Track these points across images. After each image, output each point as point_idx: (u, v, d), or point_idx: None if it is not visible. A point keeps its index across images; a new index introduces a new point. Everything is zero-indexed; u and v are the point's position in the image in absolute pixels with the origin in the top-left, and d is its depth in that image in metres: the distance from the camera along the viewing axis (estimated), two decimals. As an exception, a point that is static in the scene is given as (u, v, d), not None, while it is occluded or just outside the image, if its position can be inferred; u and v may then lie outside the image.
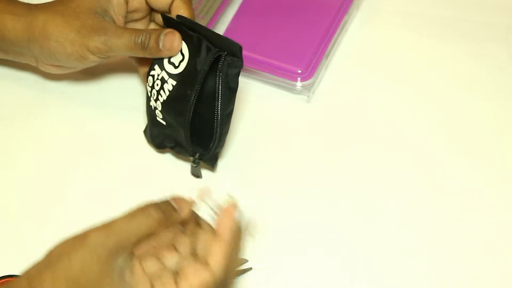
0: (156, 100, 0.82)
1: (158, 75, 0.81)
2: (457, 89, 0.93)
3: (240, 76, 0.92)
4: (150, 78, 0.82)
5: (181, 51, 0.80)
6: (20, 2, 0.85)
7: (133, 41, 0.80)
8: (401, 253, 0.82)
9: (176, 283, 0.67)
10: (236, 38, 0.93)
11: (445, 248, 0.82)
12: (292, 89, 0.92)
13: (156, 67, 0.82)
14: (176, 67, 0.80)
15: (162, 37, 0.80)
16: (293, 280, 0.81)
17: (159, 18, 0.85)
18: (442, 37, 0.96)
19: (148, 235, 0.68)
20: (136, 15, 0.85)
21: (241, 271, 0.81)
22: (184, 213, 0.69)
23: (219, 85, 0.79)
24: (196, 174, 0.85)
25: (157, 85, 0.81)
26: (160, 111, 0.82)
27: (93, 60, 0.82)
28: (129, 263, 0.67)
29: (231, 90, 0.80)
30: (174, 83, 0.80)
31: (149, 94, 0.83)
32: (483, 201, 0.85)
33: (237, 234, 0.70)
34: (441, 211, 0.85)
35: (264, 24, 0.94)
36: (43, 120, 0.90)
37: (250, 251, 0.82)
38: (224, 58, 0.78)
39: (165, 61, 0.81)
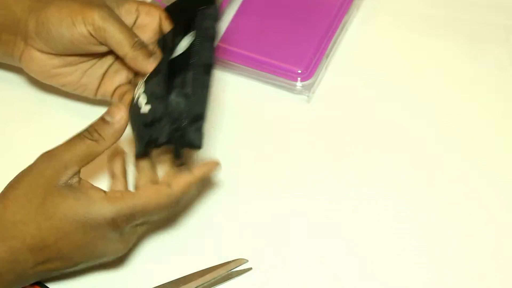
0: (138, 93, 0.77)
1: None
2: (457, 89, 0.93)
3: (240, 76, 0.93)
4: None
5: None
6: None
7: (130, 34, 0.79)
8: (401, 253, 0.82)
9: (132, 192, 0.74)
10: (236, 38, 0.94)
11: (446, 248, 0.83)
12: (292, 89, 0.92)
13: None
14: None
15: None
16: (293, 280, 0.81)
17: None
18: (442, 37, 0.96)
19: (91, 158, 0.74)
20: (141, 35, 0.83)
21: (241, 271, 0.81)
22: (117, 120, 0.74)
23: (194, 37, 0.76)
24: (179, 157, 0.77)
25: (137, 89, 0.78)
26: (144, 93, 0.76)
27: (81, 33, 0.79)
28: (76, 178, 0.73)
29: (209, 40, 0.76)
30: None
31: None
32: (483, 201, 0.85)
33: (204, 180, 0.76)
34: (441, 211, 0.85)
35: (264, 24, 0.94)
36: (43, 120, 0.90)
37: (250, 251, 0.82)
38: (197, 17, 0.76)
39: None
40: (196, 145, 0.73)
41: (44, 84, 0.90)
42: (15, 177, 0.74)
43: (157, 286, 0.80)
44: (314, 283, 0.81)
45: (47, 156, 0.74)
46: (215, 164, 0.76)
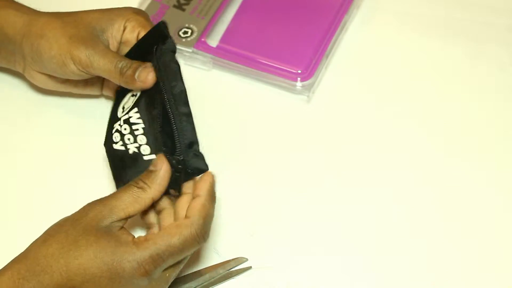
0: (135, 139, 0.79)
1: (120, 126, 0.80)
2: (457, 89, 0.93)
3: (240, 76, 0.93)
4: (116, 134, 0.80)
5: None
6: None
7: (114, 64, 0.81)
8: (401, 253, 0.82)
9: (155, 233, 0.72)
10: (236, 38, 0.94)
11: (446, 249, 0.82)
12: (292, 89, 0.92)
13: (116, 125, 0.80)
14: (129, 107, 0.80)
15: (140, 69, 0.80)
16: (293, 280, 0.81)
17: None
18: (442, 37, 0.96)
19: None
20: (126, 49, 0.85)
21: (241, 270, 0.81)
22: (160, 168, 0.74)
23: (159, 68, 0.78)
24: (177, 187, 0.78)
25: (125, 129, 0.79)
26: (146, 144, 0.79)
27: (72, 71, 0.82)
28: (119, 224, 0.72)
29: (175, 68, 0.78)
30: (138, 115, 0.79)
31: (124, 143, 0.80)
32: (483, 201, 0.85)
33: (213, 195, 0.74)
34: (441, 211, 0.85)
35: (264, 24, 0.94)
36: (43, 120, 0.90)
37: (250, 251, 0.82)
38: (157, 49, 0.78)
39: (119, 111, 0.81)
40: (202, 169, 0.76)
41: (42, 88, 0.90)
42: (63, 218, 0.73)
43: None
44: (314, 283, 0.81)
45: (95, 202, 0.73)
46: (211, 175, 0.75)
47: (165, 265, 0.71)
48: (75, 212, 0.73)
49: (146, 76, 0.79)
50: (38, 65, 0.84)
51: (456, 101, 0.92)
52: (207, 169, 0.76)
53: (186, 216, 0.72)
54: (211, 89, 0.92)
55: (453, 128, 0.90)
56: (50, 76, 0.86)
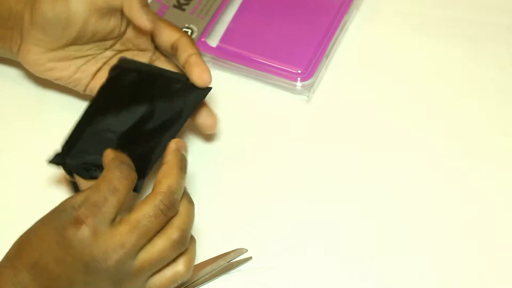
0: None
1: None
2: (457, 89, 0.93)
3: (240, 76, 0.93)
4: None
5: None
6: None
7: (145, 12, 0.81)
8: (401, 253, 0.82)
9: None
10: (236, 38, 0.94)
11: (446, 249, 0.82)
12: (292, 89, 0.92)
13: None
14: None
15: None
16: (293, 280, 0.81)
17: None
18: (442, 37, 0.96)
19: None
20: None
21: (241, 260, 0.81)
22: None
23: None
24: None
25: None
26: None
27: (76, 11, 0.81)
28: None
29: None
30: None
31: None
32: (483, 201, 0.85)
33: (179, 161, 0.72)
34: (441, 211, 0.85)
35: (264, 24, 0.94)
36: (44, 119, 0.90)
37: (250, 250, 0.82)
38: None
39: None
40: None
41: (44, 82, 0.90)
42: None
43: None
44: (314, 283, 0.81)
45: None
46: (180, 143, 0.73)
47: (104, 216, 0.69)
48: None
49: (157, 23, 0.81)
50: (38, 25, 0.82)
51: (456, 101, 0.92)
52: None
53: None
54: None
55: (453, 128, 0.90)
56: (45, 49, 0.84)
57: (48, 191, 0.86)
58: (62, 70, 0.86)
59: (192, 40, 0.83)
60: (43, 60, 0.85)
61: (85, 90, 0.88)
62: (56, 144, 0.88)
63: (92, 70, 0.86)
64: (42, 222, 0.71)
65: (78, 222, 0.68)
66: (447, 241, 0.83)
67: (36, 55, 0.85)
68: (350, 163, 0.88)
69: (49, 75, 0.87)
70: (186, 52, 0.81)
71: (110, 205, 0.69)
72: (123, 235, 0.68)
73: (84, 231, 0.68)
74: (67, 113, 0.90)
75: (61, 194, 0.85)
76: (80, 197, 0.70)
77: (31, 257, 0.70)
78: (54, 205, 0.84)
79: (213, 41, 0.94)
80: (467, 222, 0.84)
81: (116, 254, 0.68)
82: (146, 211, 0.69)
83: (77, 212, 0.69)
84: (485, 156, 0.88)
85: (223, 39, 0.94)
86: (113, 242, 0.68)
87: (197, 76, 0.81)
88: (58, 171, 0.87)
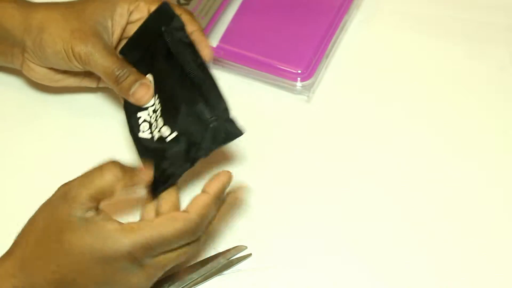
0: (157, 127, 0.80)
1: (149, 115, 0.81)
2: (457, 89, 0.93)
3: (240, 76, 0.93)
4: (145, 124, 0.81)
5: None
6: None
7: (111, 70, 0.80)
8: (401, 253, 0.82)
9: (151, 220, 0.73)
10: (236, 38, 0.94)
11: (446, 249, 0.82)
12: (292, 89, 0.92)
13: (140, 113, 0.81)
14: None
15: (137, 84, 0.80)
16: (293, 280, 0.81)
17: None
18: (442, 37, 0.96)
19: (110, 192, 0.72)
20: (135, 28, 0.84)
21: (241, 257, 0.81)
22: (145, 177, 0.74)
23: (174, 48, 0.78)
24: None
25: (152, 118, 0.80)
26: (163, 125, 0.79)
27: (75, 65, 0.82)
28: (92, 213, 0.71)
29: (187, 44, 0.79)
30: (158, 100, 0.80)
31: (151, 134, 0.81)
32: (483, 201, 0.85)
33: (221, 197, 0.74)
34: (441, 211, 0.85)
35: (264, 24, 0.94)
36: (44, 120, 0.90)
37: (251, 250, 0.82)
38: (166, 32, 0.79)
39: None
40: (237, 133, 0.75)
41: (44, 85, 0.90)
42: (35, 212, 0.73)
43: (159, 279, 0.80)
44: (315, 283, 0.81)
45: (63, 188, 0.72)
46: (228, 176, 0.74)
47: (154, 253, 0.71)
48: (46, 202, 0.72)
49: (143, 95, 0.79)
50: (41, 59, 0.84)
51: (456, 100, 0.92)
52: (243, 132, 0.75)
53: (185, 210, 0.72)
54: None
55: (453, 127, 0.90)
56: (49, 69, 0.85)
57: (48, 191, 0.85)
58: (70, 78, 0.87)
59: (193, 17, 0.83)
60: (50, 75, 0.87)
61: (97, 85, 0.89)
62: (57, 144, 0.88)
63: None
64: (81, 247, 0.71)
65: (133, 261, 0.71)
66: (447, 239, 0.83)
67: (40, 72, 0.86)
68: (350, 162, 0.87)
69: (58, 84, 0.88)
70: (188, 29, 0.81)
71: (162, 249, 0.72)
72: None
73: (136, 267, 0.72)
74: (68, 113, 0.91)
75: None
76: (140, 233, 0.71)
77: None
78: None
79: (213, 40, 0.94)
80: (467, 222, 0.84)
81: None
82: (174, 230, 0.71)
83: (134, 254, 0.70)
84: (485, 156, 0.88)
85: (223, 39, 0.94)
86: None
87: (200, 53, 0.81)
88: (58, 171, 0.87)
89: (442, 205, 0.85)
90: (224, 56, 0.92)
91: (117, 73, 0.80)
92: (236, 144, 0.88)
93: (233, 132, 0.75)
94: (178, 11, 0.82)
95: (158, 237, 0.70)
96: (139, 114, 0.81)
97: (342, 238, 0.83)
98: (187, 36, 0.79)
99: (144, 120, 0.80)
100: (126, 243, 0.70)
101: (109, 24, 0.83)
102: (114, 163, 0.72)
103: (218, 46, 0.93)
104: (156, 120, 0.79)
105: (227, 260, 0.81)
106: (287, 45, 0.93)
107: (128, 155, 0.87)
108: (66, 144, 0.89)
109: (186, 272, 0.80)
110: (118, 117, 0.89)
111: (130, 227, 0.70)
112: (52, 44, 0.82)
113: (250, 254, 0.82)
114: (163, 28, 0.79)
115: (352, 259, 0.82)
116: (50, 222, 0.71)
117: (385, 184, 0.86)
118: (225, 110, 0.75)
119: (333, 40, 0.94)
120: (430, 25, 0.97)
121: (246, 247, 0.82)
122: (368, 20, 0.97)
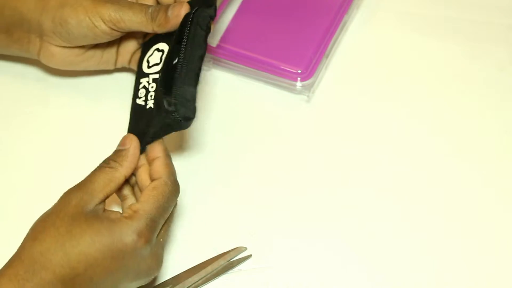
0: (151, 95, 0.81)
1: (148, 83, 0.82)
2: (457, 89, 0.93)
3: (240, 76, 0.93)
4: (142, 90, 0.82)
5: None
6: None
7: (144, 12, 0.81)
8: (402, 253, 0.82)
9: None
10: (236, 37, 0.94)
11: (446, 249, 0.83)
12: (292, 89, 0.92)
13: (143, 80, 0.83)
14: (158, 64, 0.82)
15: (170, 7, 0.81)
16: (293, 280, 0.81)
17: None
18: (442, 37, 0.96)
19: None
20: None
21: (242, 259, 0.81)
22: (129, 147, 0.77)
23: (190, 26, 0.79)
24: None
25: (152, 87, 0.81)
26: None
27: (103, 31, 0.82)
28: (102, 206, 0.74)
29: (201, 33, 0.79)
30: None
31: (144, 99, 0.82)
32: (483, 201, 0.85)
33: (169, 154, 0.78)
34: (441, 211, 0.85)
35: (264, 24, 0.94)
36: (45, 118, 0.90)
37: (251, 250, 0.82)
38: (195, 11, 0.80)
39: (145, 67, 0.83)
40: (189, 117, 0.76)
41: (46, 81, 0.90)
42: (44, 213, 0.73)
43: (160, 283, 0.80)
44: (315, 283, 0.81)
45: (72, 189, 0.74)
46: (161, 141, 0.77)
47: (159, 227, 0.73)
48: (55, 204, 0.73)
49: (180, 10, 0.80)
50: (63, 36, 0.84)
51: (456, 100, 0.92)
52: (194, 117, 0.76)
53: (155, 178, 0.75)
54: (211, 89, 0.92)
55: (453, 127, 0.90)
56: (70, 50, 0.86)
57: (48, 191, 0.85)
58: (89, 59, 0.88)
59: None
60: (69, 58, 0.87)
61: (115, 66, 0.90)
62: (57, 143, 0.88)
63: (115, 48, 0.89)
64: (90, 237, 0.71)
65: (145, 242, 0.72)
66: (447, 239, 0.83)
67: (61, 55, 0.86)
68: (350, 162, 0.88)
69: (78, 67, 0.89)
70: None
71: (163, 218, 0.75)
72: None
73: (148, 249, 0.73)
74: (69, 113, 0.91)
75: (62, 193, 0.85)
76: (140, 214, 0.73)
77: None
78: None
79: (213, 40, 0.94)
80: (466, 220, 0.84)
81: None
82: (163, 197, 0.74)
83: (144, 234, 0.72)
84: (485, 156, 0.88)
85: (223, 39, 0.94)
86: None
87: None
88: (58, 170, 0.87)
89: (442, 205, 0.85)
90: (224, 56, 0.92)
91: (149, 10, 0.81)
92: (236, 144, 0.88)
93: (186, 116, 0.76)
94: None
95: (156, 208, 0.73)
96: (141, 80, 0.82)
97: (342, 238, 0.83)
98: (209, 27, 0.80)
99: (144, 87, 0.82)
100: (132, 226, 0.71)
101: None
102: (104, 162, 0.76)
103: (218, 46, 0.93)
104: (155, 91, 0.80)
105: (227, 262, 0.81)
106: (287, 45, 0.93)
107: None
108: (66, 144, 0.89)
109: (187, 274, 0.80)
110: (118, 117, 0.89)
111: (128, 212, 0.72)
112: (75, 15, 0.82)
113: (250, 255, 0.82)
114: (194, 10, 0.80)
115: (352, 259, 0.82)
116: (61, 216, 0.71)
117: (385, 184, 0.86)
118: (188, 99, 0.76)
119: (333, 40, 0.94)
120: (430, 25, 0.97)
121: (246, 248, 0.82)
122: (368, 20, 0.97)
